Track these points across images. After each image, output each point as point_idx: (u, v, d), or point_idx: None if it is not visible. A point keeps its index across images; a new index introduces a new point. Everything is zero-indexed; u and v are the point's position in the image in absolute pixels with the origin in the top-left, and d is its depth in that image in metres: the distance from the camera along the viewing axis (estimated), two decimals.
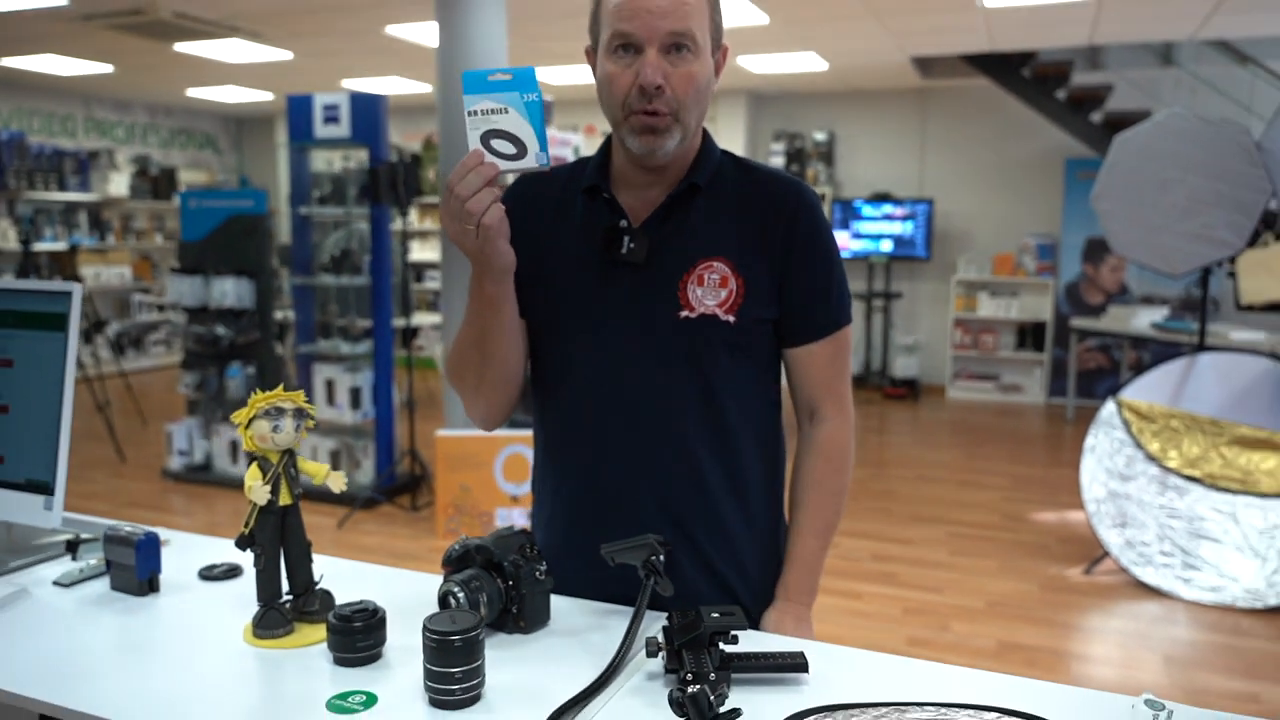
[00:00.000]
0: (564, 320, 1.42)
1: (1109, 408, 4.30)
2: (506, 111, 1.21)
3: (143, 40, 6.74)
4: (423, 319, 8.99)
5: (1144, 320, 6.95)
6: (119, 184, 9.70)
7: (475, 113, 1.21)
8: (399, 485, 5.30)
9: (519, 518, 4.67)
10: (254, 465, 1.24)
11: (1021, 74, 7.37)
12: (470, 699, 1.06)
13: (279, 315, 6.22)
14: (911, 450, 6.55)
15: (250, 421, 1.22)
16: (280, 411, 1.23)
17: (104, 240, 9.67)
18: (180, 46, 7.00)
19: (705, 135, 1.43)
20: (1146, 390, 4.25)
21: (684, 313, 1.36)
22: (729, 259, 1.37)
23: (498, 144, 1.22)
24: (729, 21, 6.17)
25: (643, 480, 1.40)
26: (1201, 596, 3.97)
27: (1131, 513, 4.18)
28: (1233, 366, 4.17)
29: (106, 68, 8.13)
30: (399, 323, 6.06)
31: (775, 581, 1.47)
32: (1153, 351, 7.36)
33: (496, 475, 4.69)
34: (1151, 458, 4.16)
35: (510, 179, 1.41)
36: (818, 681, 1.13)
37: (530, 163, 1.22)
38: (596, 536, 1.31)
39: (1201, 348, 4.33)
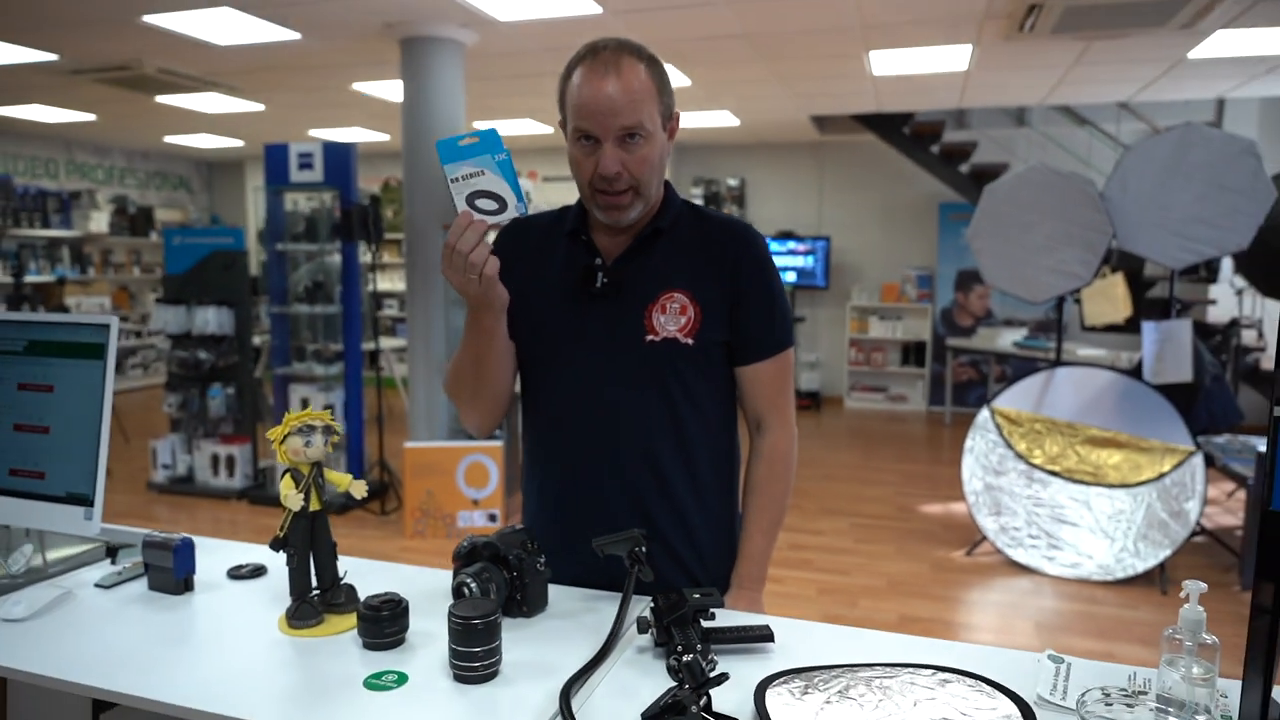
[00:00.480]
0: (548, 345, 1.45)
1: (984, 414, 4.48)
2: (484, 173, 1.23)
3: (126, 92, 6.54)
4: (384, 343, 8.85)
5: (1007, 339, 7.24)
6: (99, 222, 9.33)
7: (457, 179, 1.23)
8: (369, 492, 5.20)
9: (480, 519, 4.64)
10: (287, 476, 1.24)
11: (902, 131, 7.63)
12: (490, 674, 1.08)
13: (255, 341, 6.07)
14: (817, 453, 6.70)
15: (285, 437, 1.23)
16: (311, 429, 1.23)
17: (85, 273, 9.29)
18: (161, 98, 6.81)
19: (668, 186, 1.47)
20: (1014, 399, 4.44)
21: (649, 337, 1.40)
22: (687, 290, 1.41)
23: (482, 203, 1.24)
24: None
25: (615, 484, 1.44)
26: (1063, 572, 4.16)
27: (1004, 502, 4.35)
28: (1083, 378, 4.39)
29: (89, 116, 7.84)
30: (368, 346, 5.97)
31: (731, 567, 1.51)
32: (1014, 366, 7.65)
33: (459, 481, 4.65)
34: (1020, 456, 4.34)
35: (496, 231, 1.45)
36: (782, 650, 1.18)
37: (511, 213, 1.25)
38: (578, 533, 1.34)
39: (1058, 363, 4.54)
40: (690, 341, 1.40)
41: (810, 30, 4.88)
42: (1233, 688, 1.02)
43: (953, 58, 5.47)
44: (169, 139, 9.35)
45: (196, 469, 5.47)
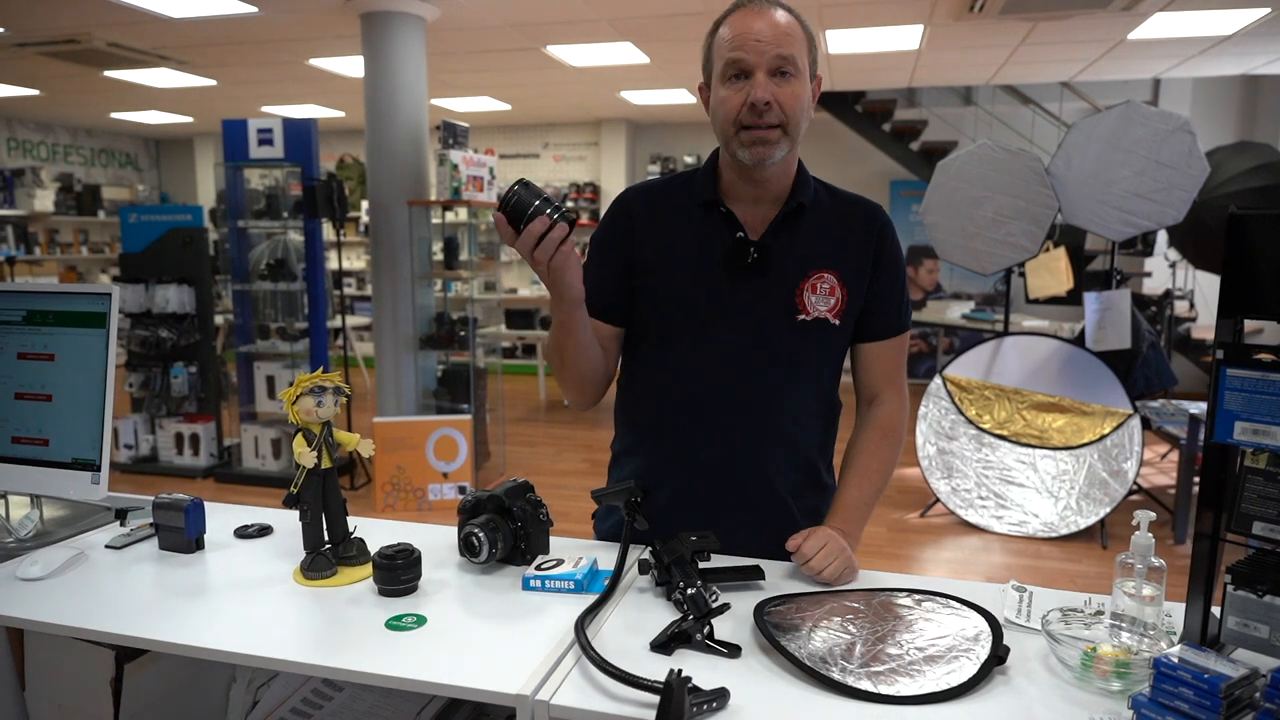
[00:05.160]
0: (690, 319, 1.40)
1: (936, 382, 4.63)
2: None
3: (74, 66, 6.35)
4: (347, 321, 8.76)
5: (955, 312, 7.43)
6: (44, 200, 9.05)
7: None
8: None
9: (450, 492, 4.68)
10: (299, 435, 1.28)
11: (855, 109, 7.76)
12: (570, 218, 1.20)
13: (219, 320, 5.98)
14: None
15: (298, 398, 1.27)
16: (322, 389, 1.28)
17: (31, 253, 9.03)
18: (110, 73, 6.62)
19: (799, 162, 1.42)
20: (965, 367, 4.60)
21: (801, 316, 1.38)
22: (835, 270, 1.39)
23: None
24: (617, 61, 6.29)
25: (751, 461, 1.42)
26: (1011, 530, 4.34)
27: (956, 465, 4.52)
28: (1028, 347, 4.56)
29: (32, 91, 7.59)
30: (332, 324, 5.93)
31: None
32: (961, 337, 7.86)
33: (428, 455, 4.68)
34: (970, 421, 4.51)
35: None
36: (772, 588, 1.26)
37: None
38: (714, 511, 1.33)
39: (1005, 333, 4.71)
40: (837, 322, 1.40)
41: None
42: (1175, 609, 1.13)
43: (905, 37, 5.58)
44: (116, 115, 9.09)
45: (160, 448, 5.40)
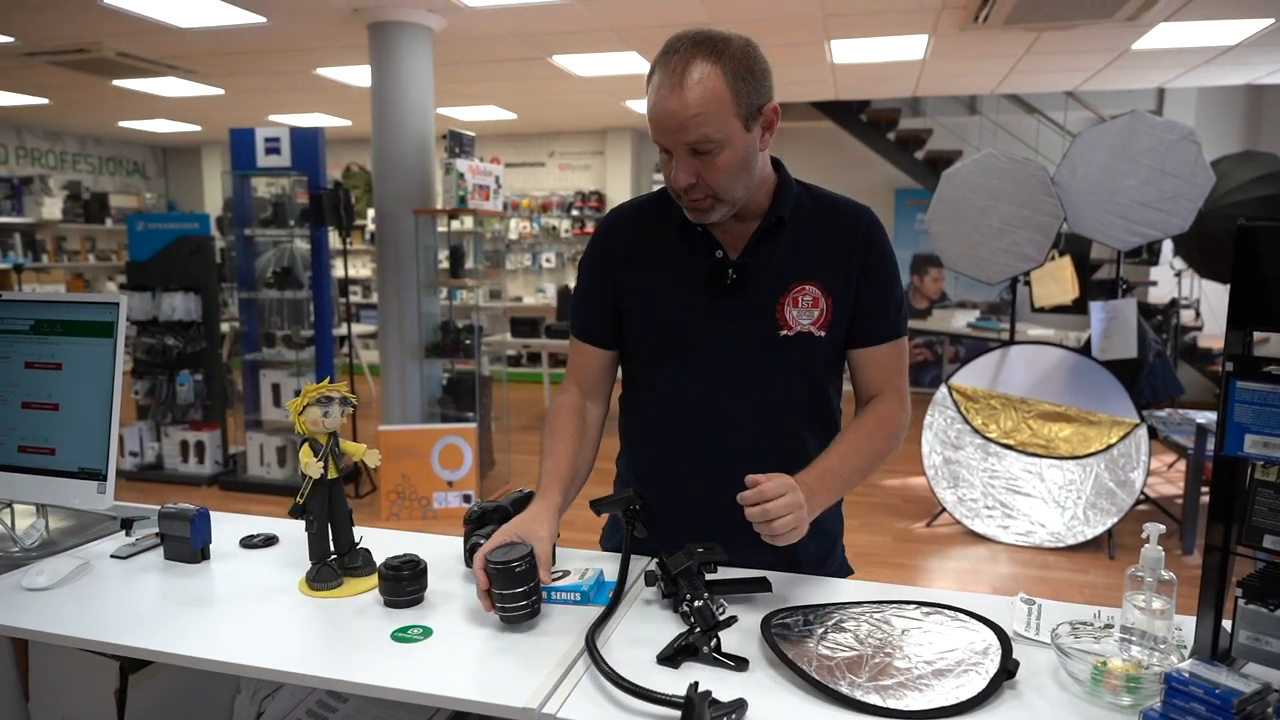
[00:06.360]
0: (672, 343, 1.40)
1: (942, 391, 4.62)
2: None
3: (82, 75, 6.38)
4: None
5: (960, 321, 7.43)
6: (52, 208, 9.09)
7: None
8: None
9: (455, 500, 4.67)
10: (306, 445, 1.28)
11: (859, 118, 7.76)
12: (533, 611, 1.14)
13: (225, 328, 5.99)
14: None
15: (304, 408, 1.27)
16: (329, 400, 1.28)
17: (39, 260, 9.06)
18: (118, 82, 6.65)
19: (781, 169, 1.40)
20: (970, 376, 4.58)
21: (783, 331, 1.36)
22: (818, 281, 1.36)
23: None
24: (622, 71, 6.30)
25: (742, 475, 1.36)
26: (1017, 540, 4.32)
27: (962, 475, 4.50)
28: (1034, 356, 4.55)
29: (41, 100, 7.63)
30: (338, 332, 5.94)
31: (840, 532, 1.52)
32: (967, 346, 7.85)
33: (434, 463, 4.68)
34: (976, 430, 4.49)
35: None
36: (779, 599, 1.25)
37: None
38: (706, 530, 1.30)
39: (1011, 342, 4.70)
40: (823, 334, 1.37)
41: (774, 18, 4.95)
42: (1185, 623, 1.12)
43: (909, 47, 5.59)
44: (124, 123, 9.13)
45: (165, 456, 5.41)
